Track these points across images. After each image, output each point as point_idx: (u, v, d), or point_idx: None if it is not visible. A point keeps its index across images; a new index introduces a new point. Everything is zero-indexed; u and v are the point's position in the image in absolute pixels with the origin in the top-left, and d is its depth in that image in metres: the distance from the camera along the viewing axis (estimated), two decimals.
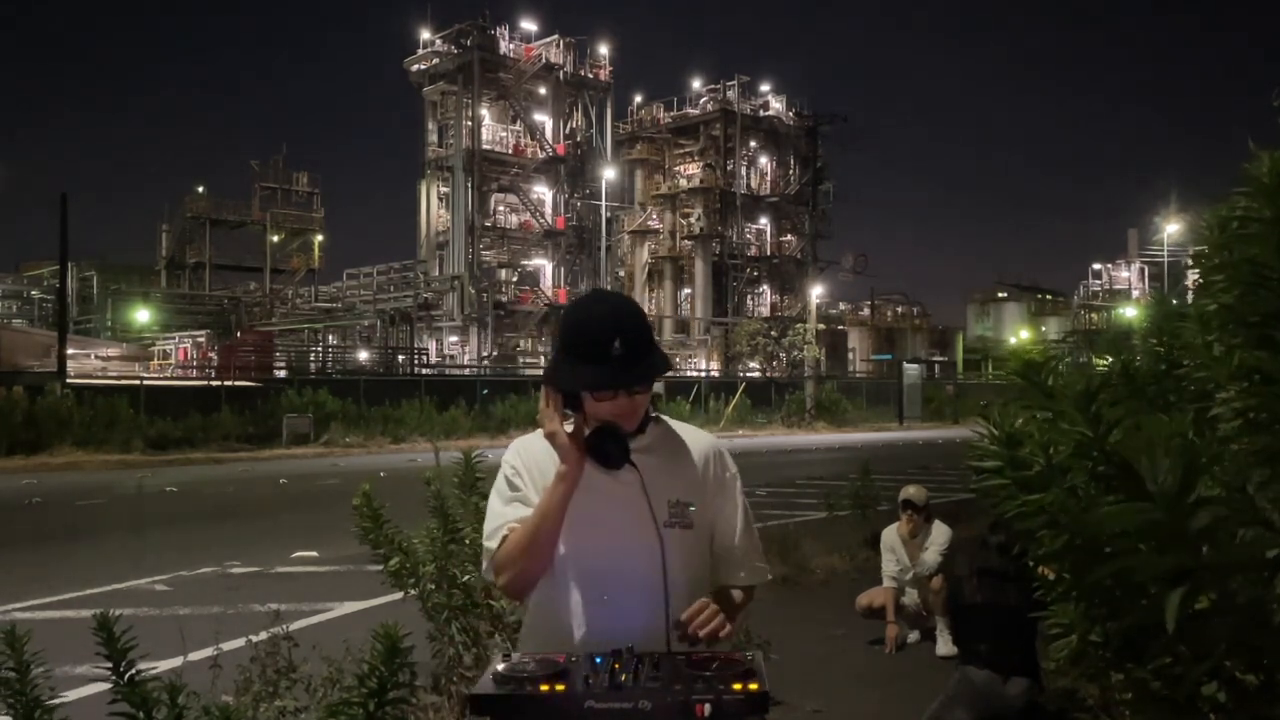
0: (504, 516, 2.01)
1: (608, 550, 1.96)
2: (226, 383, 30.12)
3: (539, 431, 2.01)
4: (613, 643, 1.77)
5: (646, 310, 53.89)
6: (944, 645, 6.04)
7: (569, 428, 1.94)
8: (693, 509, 2.00)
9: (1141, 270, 76.05)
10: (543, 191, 51.13)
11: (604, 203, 45.08)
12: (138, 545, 10.60)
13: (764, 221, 59.54)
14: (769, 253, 59.22)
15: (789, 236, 59.96)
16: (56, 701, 2.49)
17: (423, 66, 50.96)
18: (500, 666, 1.71)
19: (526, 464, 2.05)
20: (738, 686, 1.60)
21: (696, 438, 2.11)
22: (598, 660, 1.72)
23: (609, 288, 49.91)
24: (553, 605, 1.99)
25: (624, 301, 2.02)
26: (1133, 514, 1.49)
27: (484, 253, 50.00)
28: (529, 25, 51.26)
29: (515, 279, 52.20)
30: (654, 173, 58.36)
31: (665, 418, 2.10)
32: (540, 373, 26.11)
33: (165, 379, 36.26)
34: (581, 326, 1.91)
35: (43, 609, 7.41)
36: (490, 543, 2.01)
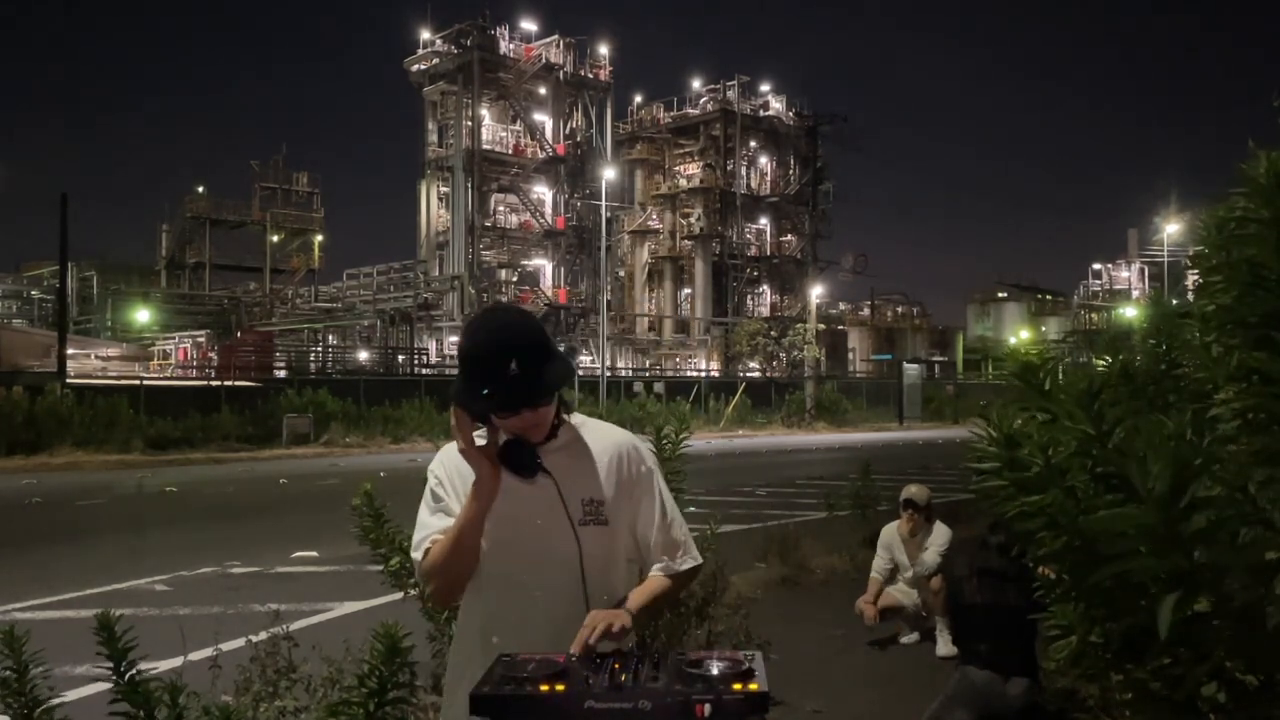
0: (428, 527, 2.10)
1: (527, 552, 2.04)
2: (226, 383, 30.12)
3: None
4: (536, 641, 1.85)
5: (646, 310, 53.66)
6: (944, 645, 6.04)
7: (481, 441, 2.00)
8: (605, 506, 2.07)
9: (1141, 270, 76.05)
10: (543, 191, 51.14)
11: (604, 203, 45.00)
12: (138, 545, 10.60)
13: (764, 221, 59.53)
14: (769, 253, 59.22)
15: (789, 236, 59.97)
16: (56, 701, 2.49)
17: (423, 66, 50.96)
18: (500, 667, 1.72)
19: (449, 473, 2.12)
20: (738, 686, 1.60)
21: (609, 436, 2.17)
22: (598, 660, 1.72)
23: (608, 287, 50.00)
24: (478, 608, 2.08)
25: (517, 319, 2.03)
26: (1126, 518, 1.49)
27: (484, 253, 50.01)
28: (529, 25, 51.30)
29: (515, 279, 52.20)
30: (654, 173, 58.36)
31: (577, 417, 2.16)
32: None
33: (165, 379, 36.27)
34: (476, 350, 1.96)
35: (43, 609, 7.41)
36: (416, 554, 2.10)
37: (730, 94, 57.47)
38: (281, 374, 36.87)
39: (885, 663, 6.12)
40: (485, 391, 1.93)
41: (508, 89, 49.23)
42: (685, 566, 2.16)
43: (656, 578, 2.13)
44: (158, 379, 34.92)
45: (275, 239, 58.10)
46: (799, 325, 48.99)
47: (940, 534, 6.43)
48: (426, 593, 2.14)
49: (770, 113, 59.06)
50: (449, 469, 2.12)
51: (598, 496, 2.07)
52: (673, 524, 2.16)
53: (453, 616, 4.35)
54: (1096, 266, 79.29)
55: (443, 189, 51.22)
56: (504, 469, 1.99)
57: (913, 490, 6.60)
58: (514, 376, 1.90)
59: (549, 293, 49.77)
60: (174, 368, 43.61)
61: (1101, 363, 2.06)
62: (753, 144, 58.89)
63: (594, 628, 1.85)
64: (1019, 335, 59.62)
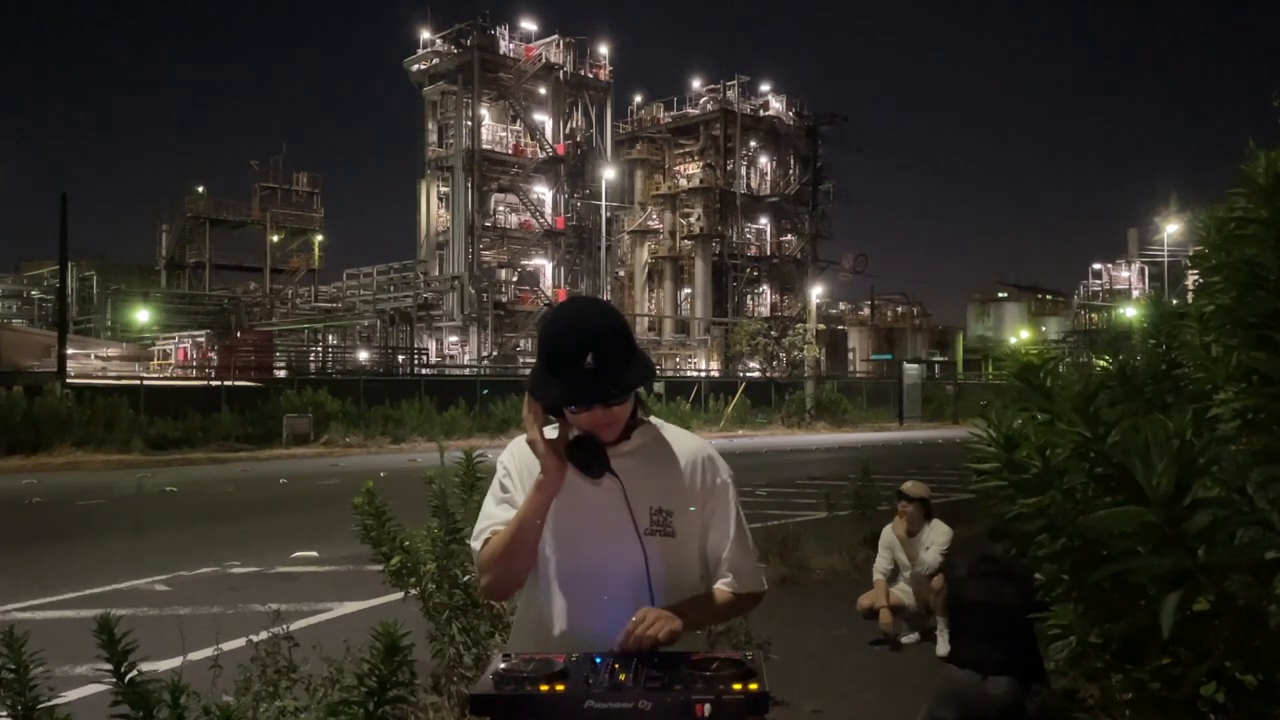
0: (492, 518, 2.02)
1: (590, 557, 1.97)
2: (226, 383, 30.11)
3: None
4: (597, 649, 1.79)
5: (646, 310, 53.59)
6: (944, 645, 6.03)
7: (552, 433, 1.94)
8: (675, 517, 1.98)
9: (1141, 270, 76.03)
10: (543, 191, 51.14)
11: (604, 203, 45.05)
12: (138, 545, 10.60)
13: (764, 221, 59.53)
14: (769, 253, 59.22)
15: (789, 236, 59.97)
16: (56, 701, 2.49)
17: (423, 66, 50.97)
18: (500, 667, 1.72)
19: (518, 466, 2.05)
20: (738, 686, 1.60)
21: (685, 443, 2.08)
22: (597, 660, 1.72)
23: (608, 287, 50.02)
24: (537, 609, 2.02)
25: (600, 312, 1.95)
26: (1129, 517, 1.49)
27: (484, 253, 50.00)
28: (529, 25, 51.30)
29: (515, 279, 52.19)
30: (654, 173, 58.35)
31: (655, 421, 2.07)
32: None
33: (165, 379, 36.24)
34: (555, 340, 1.88)
35: (43, 609, 7.41)
36: (475, 543, 2.03)
37: (730, 94, 57.46)
38: (281, 374, 36.85)
39: (885, 663, 6.12)
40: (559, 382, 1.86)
41: (508, 89, 49.23)
42: (750, 589, 2.06)
43: (723, 590, 2.04)
44: (158, 379, 34.89)
45: (275, 239, 58.09)
46: (799, 325, 48.98)
47: (940, 533, 6.43)
48: (481, 585, 2.05)
49: (770, 112, 59.05)
50: (519, 461, 2.04)
51: (667, 506, 1.98)
52: (745, 541, 2.07)
53: (452, 617, 4.37)
54: (1096, 266, 79.30)
55: (443, 189, 51.23)
56: (571, 466, 1.92)
57: (906, 485, 6.62)
58: (590, 370, 1.82)
59: (549, 293, 49.74)
60: (174, 368, 43.57)
61: (1101, 363, 2.06)
62: (753, 144, 58.88)
63: (648, 630, 1.79)
64: (1019, 335, 59.64)
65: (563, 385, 1.86)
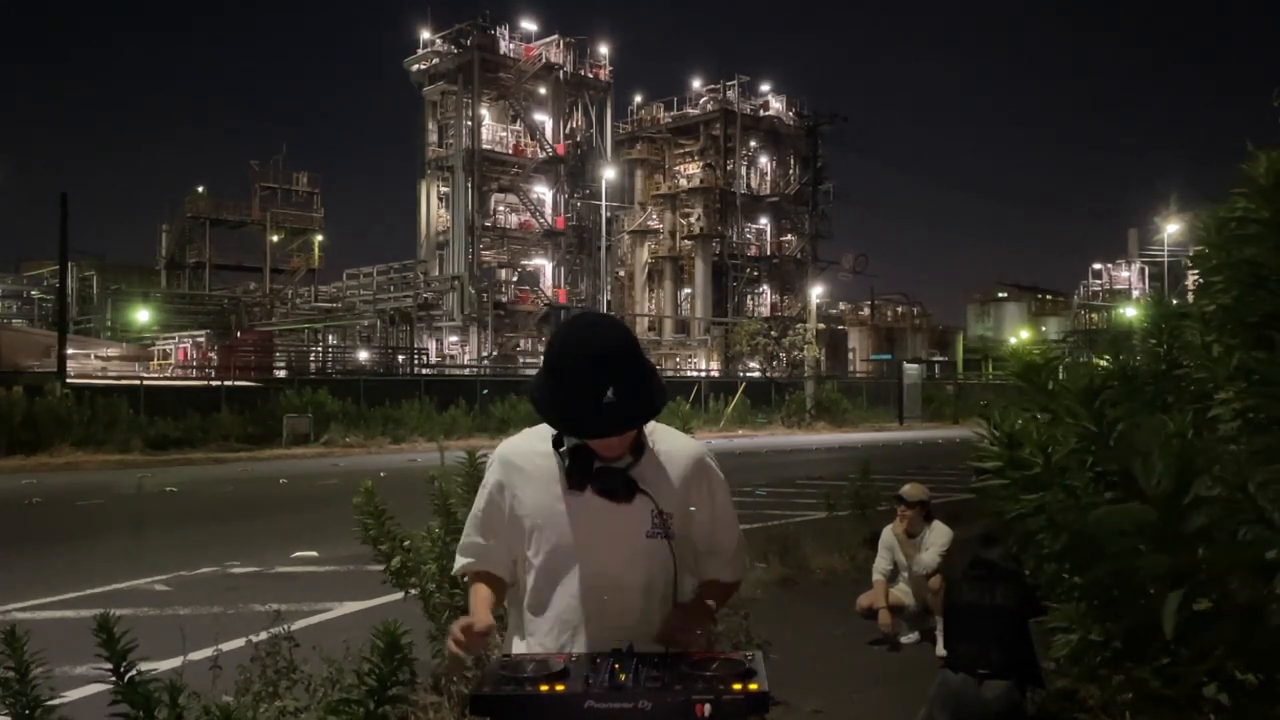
0: (471, 548, 2.10)
1: (593, 556, 1.99)
2: (226, 383, 30.11)
3: (525, 432, 2.07)
4: (596, 646, 1.83)
5: (646, 310, 53.51)
6: (944, 646, 6.03)
7: (548, 434, 2.00)
8: (674, 520, 2.01)
9: (1142, 270, 76.04)
10: (543, 191, 51.14)
11: (604, 203, 45.04)
12: (138, 545, 10.59)
13: (764, 221, 59.54)
14: (769, 253, 59.23)
15: (789, 236, 59.98)
16: (56, 701, 2.49)
17: (423, 66, 50.98)
18: (500, 667, 1.72)
19: (509, 472, 2.06)
20: (738, 686, 1.60)
21: (681, 447, 2.10)
22: (597, 660, 1.73)
23: (608, 287, 50.01)
24: (538, 607, 2.03)
25: (616, 340, 1.89)
26: (1128, 515, 1.49)
27: (484, 253, 50.01)
28: (529, 25, 51.31)
29: (515, 279, 52.20)
30: (654, 173, 58.35)
31: (648, 424, 2.07)
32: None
33: (165, 379, 36.24)
34: (573, 373, 1.85)
35: (43, 609, 7.40)
36: (456, 567, 2.13)
37: (730, 94, 57.48)
38: (281, 374, 36.86)
39: (885, 663, 6.11)
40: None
41: (508, 89, 49.23)
42: (732, 576, 2.15)
43: (721, 583, 2.14)
44: (158, 379, 34.88)
45: (275, 239, 58.09)
46: (799, 325, 48.96)
47: (940, 534, 6.42)
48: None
49: (770, 112, 59.06)
50: (509, 470, 2.06)
51: (668, 510, 2.00)
52: (729, 533, 2.14)
53: (453, 617, 4.36)
54: (1096, 266, 79.30)
55: (443, 189, 51.23)
56: (596, 493, 1.95)
57: (905, 488, 6.61)
58: (609, 404, 1.81)
59: (549, 293, 49.77)
60: (174, 368, 43.58)
61: (1102, 363, 2.06)
62: (753, 144, 58.89)
63: (687, 634, 1.88)
64: (1019, 335, 59.56)
65: (584, 420, 1.86)
